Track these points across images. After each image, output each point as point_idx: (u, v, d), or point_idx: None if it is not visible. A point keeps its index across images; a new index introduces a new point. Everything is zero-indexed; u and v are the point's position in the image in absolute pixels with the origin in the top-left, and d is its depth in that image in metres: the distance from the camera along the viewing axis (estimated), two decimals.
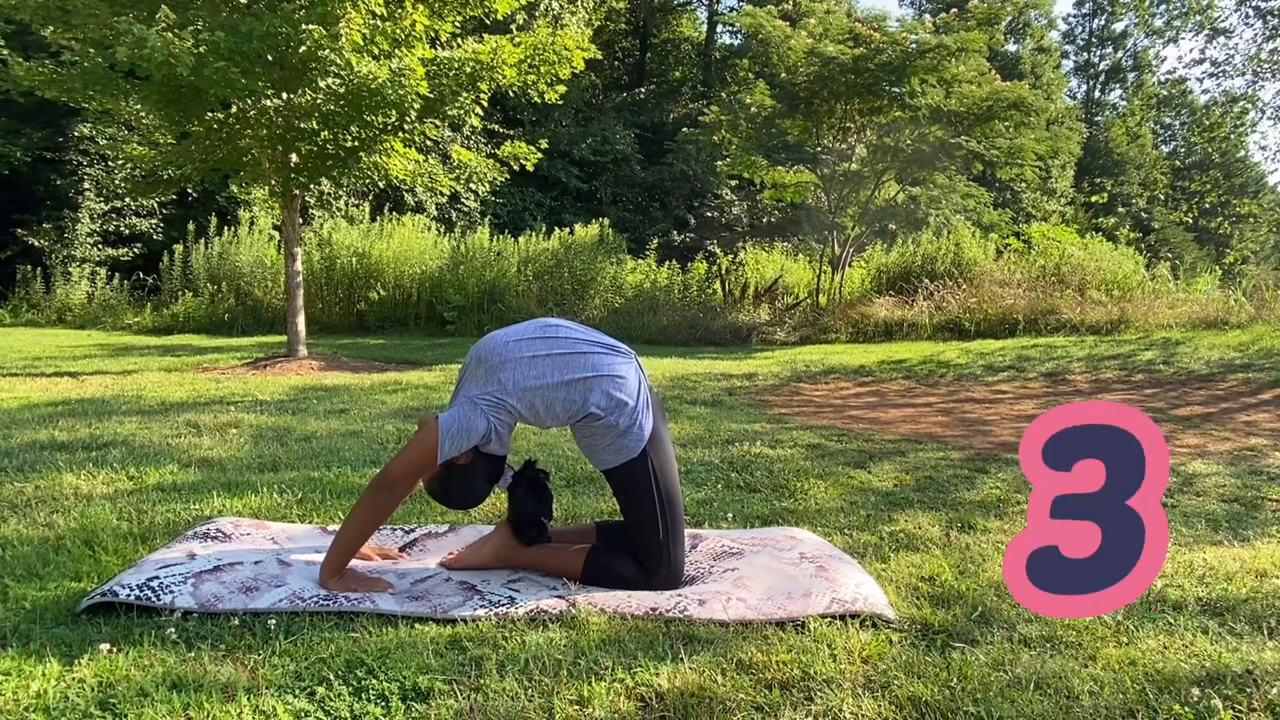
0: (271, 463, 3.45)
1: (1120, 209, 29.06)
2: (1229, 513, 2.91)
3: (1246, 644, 1.80)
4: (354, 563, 2.19)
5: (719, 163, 14.57)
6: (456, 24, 7.74)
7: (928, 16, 13.56)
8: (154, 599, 1.88)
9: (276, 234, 14.11)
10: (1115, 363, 7.72)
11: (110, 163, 15.54)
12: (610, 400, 2.10)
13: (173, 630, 1.78)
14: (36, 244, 15.34)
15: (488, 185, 9.42)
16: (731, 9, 25.26)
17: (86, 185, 15.66)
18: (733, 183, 20.77)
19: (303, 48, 6.43)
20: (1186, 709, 1.51)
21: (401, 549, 2.43)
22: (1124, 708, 1.52)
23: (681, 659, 1.69)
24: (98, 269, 15.52)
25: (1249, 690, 1.59)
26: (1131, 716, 1.50)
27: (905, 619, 1.91)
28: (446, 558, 2.28)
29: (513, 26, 13.03)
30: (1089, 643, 1.79)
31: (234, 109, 7.35)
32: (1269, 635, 1.85)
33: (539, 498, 2.22)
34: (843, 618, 1.88)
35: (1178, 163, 33.56)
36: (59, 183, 15.60)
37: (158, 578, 1.97)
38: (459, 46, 7.63)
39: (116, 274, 15.41)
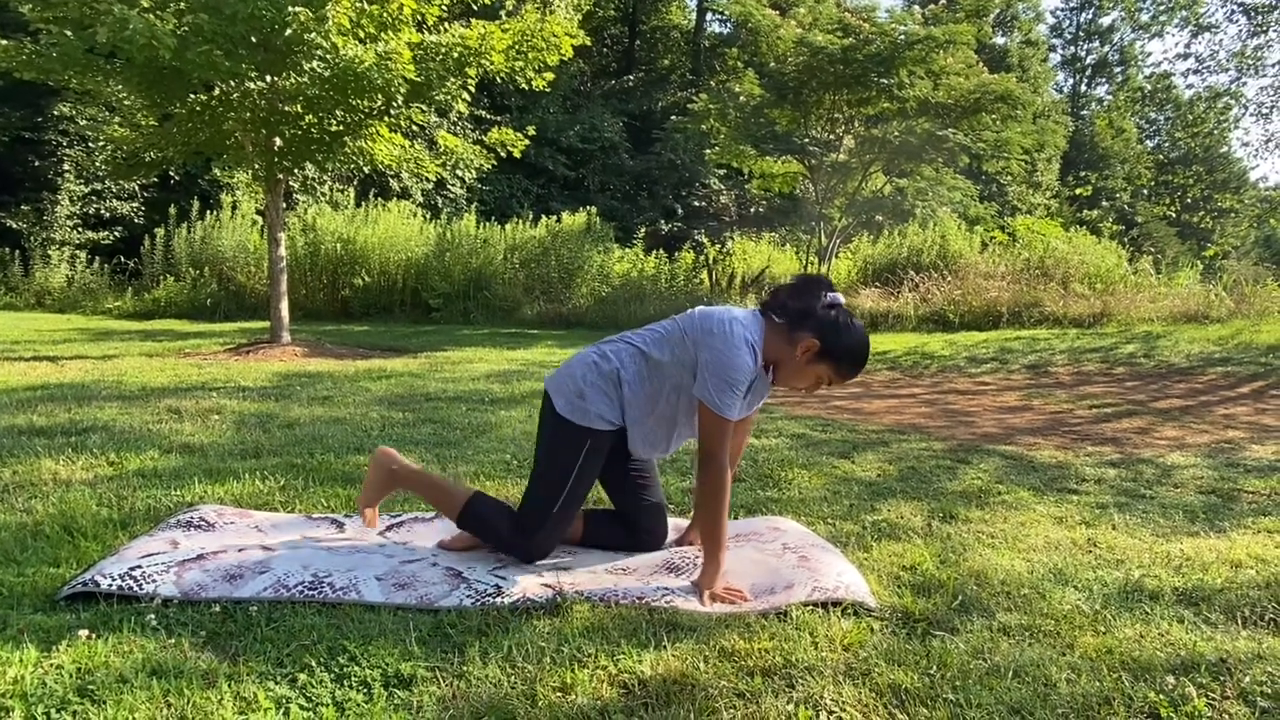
0: (254, 449, 3.42)
1: (1104, 203, 29.26)
2: (1206, 504, 2.95)
3: (1221, 633, 1.83)
4: (340, 545, 2.18)
5: (707, 151, 14.55)
6: (444, 7, 7.66)
7: (916, 8, 13.57)
8: (136, 588, 1.87)
9: (260, 218, 13.97)
10: (1097, 355, 7.79)
11: (90, 144, 15.31)
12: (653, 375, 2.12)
13: (153, 617, 1.76)
14: (15, 226, 15.13)
15: (474, 172, 9.36)
16: None
17: (66, 167, 15.43)
18: (721, 172, 20.74)
19: (288, 30, 6.35)
20: (1161, 696, 1.53)
21: (387, 529, 2.43)
22: (1100, 695, 1.54)
23: (664, 646, 1.69)
24: (77, 252, 15.32)
25: (1223, 678, 1.61)
26: (1108, 704, 1.52)
27: (886, 607, 1.93)
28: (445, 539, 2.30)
29: (501, 12, 12.90)
30: (1067, 631, 1.81)
31: (217, 91, 7.26)
32: (1243, 625, 1.88)
33: None
34: (824, 606, 1.89)
35: (1161, 157, 33.79)
36: (38, 164, 15.37)
37: (140, 566, 1.96)
38: (446, 31, 7.55)
39: (97, 257, 15.22)
